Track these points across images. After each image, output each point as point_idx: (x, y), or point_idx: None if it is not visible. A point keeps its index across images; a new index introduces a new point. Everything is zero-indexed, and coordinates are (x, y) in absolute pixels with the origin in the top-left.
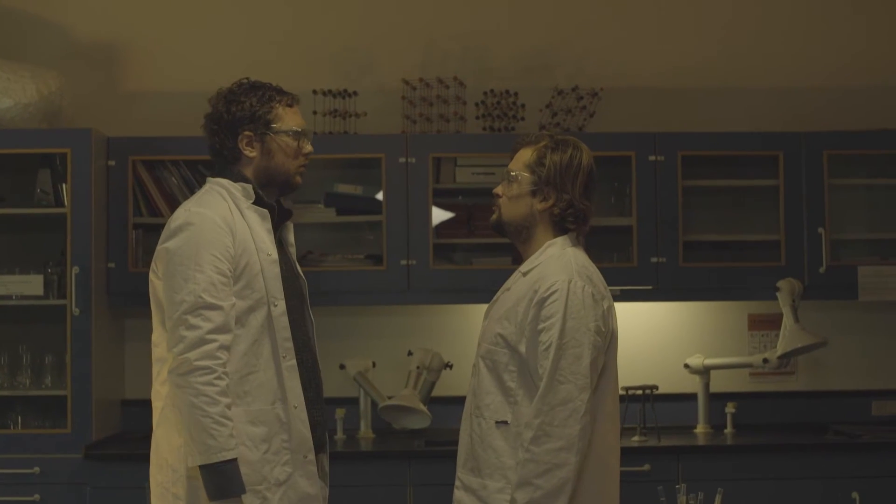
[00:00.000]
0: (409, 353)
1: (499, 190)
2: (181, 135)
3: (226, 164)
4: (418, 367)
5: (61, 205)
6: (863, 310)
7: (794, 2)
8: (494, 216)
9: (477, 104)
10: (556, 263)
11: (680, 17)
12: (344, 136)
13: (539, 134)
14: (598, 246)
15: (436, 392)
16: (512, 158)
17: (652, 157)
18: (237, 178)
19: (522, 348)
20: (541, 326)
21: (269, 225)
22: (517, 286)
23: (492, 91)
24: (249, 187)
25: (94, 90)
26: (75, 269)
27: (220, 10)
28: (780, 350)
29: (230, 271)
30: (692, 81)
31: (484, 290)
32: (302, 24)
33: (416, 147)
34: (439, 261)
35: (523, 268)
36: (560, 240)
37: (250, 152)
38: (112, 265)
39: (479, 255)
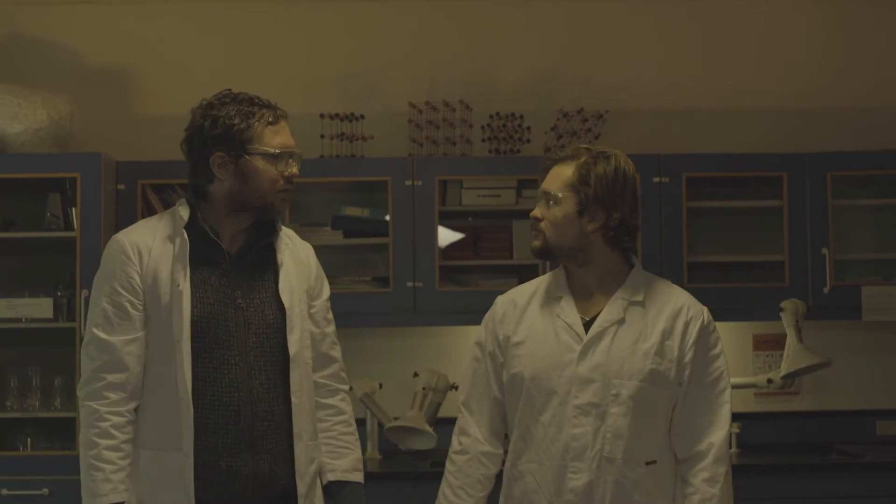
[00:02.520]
0: (415, 375)
1: (538, 213)
2: None
3: (198, 184)
4: (424, 389)
5: (71, 228)
6: (867, 329)
7: (796, 24)
8: (538, 242)
9: (483, 127)
10: (675, 289)
11: (684, 40)
12: (351, 159)
13: (575, 148)
14: None
15: (441, 413)
16: (544, 177)
17: (656, 179)
18: (192, 198)
19: (684, 382)
20: (704, 357)
21: (185, 251)
22: (638, 318)
23: (497, 114)
24: (186, 210)
25: (103, 115)
26: (84, 293)
27: (230, 36)
28: (783, 370)
29: (132, 303)
30: (696, 103)
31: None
32: (310, 49)
33: (423, 170)
34: (445, 283)
35: (627, 295)
36: (638, 262)
37: (223, 175)
38: None
39: (486, 276)
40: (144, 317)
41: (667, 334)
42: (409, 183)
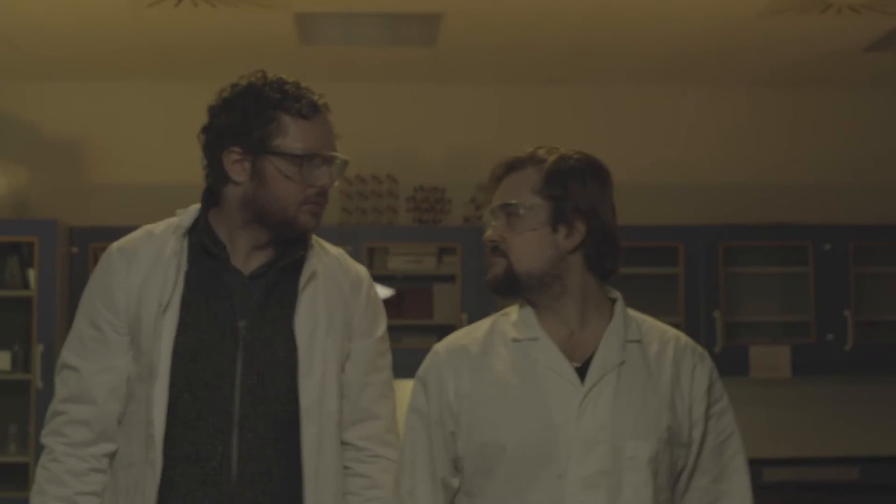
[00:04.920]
0: None
1: (494, 234)
2: (138, 224)
3: (212, 185)
4: None
5: (28, 288)
6: (755, 385)
7: (693, 105)
8: (498, 269)
9: (407, 199)
10: (665, 325)
11: (591, 120)
12: None
13: (535, 149)
14: None
15: None
16: (495, 190)
17: None
18: (205, 203)
19: (695, 442)
20: (713, 411)
21: (179, 264)
22: (640, 360)
23: (421, 187)
24: (191, 215)
25: (59, 183)
26: (40, 347)
27: (176, 111)
28: None
29: (113, 325)
30: None
31: (410, 366)
32: None
33: (353, 237)
34: None
35: (620, 331)
36: (619, 294)
37: (238, 175)
38: None
39: (408, 334)
40: (127, 343)
41: (675, 381)
42: None
